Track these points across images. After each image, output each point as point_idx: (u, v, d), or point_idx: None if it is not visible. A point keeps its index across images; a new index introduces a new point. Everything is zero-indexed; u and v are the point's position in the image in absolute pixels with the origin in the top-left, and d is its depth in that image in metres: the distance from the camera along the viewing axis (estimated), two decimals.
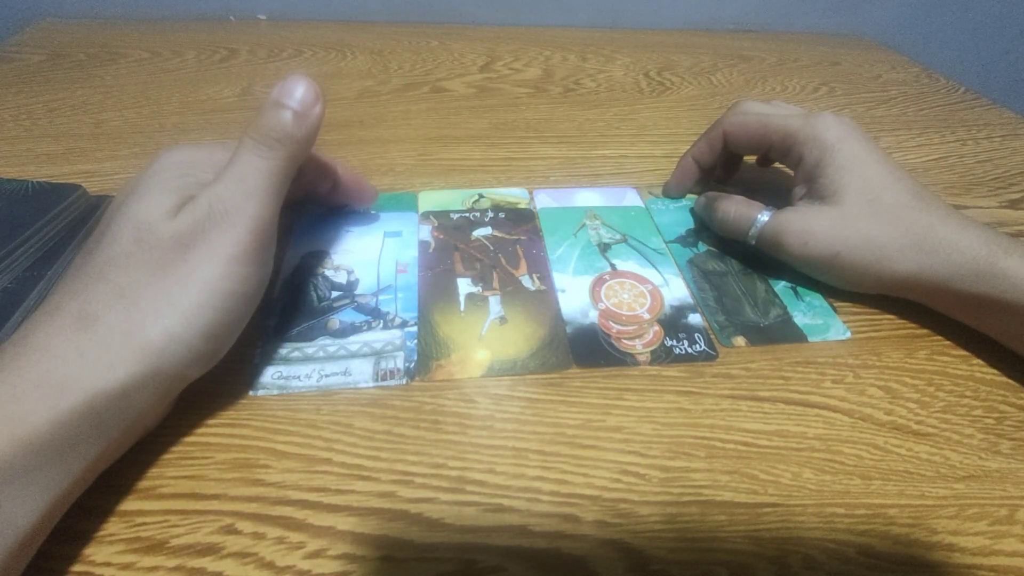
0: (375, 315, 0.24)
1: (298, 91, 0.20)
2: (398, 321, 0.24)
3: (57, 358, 0.15)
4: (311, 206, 0.30)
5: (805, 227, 0.26)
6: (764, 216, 0.27)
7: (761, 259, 0.28)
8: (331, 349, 0.23)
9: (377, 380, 0.22)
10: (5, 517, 0.14)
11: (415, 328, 0.24)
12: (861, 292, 0.27)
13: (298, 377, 0.22)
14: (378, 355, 0.23)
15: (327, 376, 0.22)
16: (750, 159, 0.33)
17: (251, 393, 0.21)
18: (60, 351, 0.15)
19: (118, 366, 0.16)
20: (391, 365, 0.22)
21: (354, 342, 0.23)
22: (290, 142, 0.20)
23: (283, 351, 0.23)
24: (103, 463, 0.17)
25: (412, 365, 0.22)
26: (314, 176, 0.26)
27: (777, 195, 0.28)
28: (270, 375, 0.22)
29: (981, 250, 0.23)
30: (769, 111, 0.29)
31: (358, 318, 0.24)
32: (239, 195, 0.19)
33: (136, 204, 0.18)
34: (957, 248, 0.23)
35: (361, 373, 0.22)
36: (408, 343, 0.23)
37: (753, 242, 0.28)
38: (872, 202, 0.25)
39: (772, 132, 0.28)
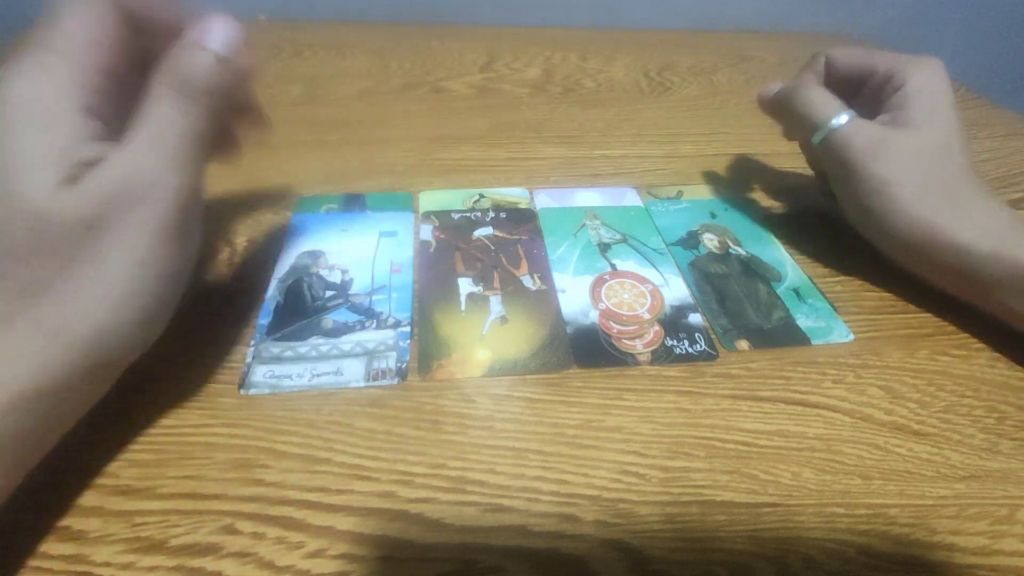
0: (369, 315, 0.24)
1: (219, 31, 0.17)
2: (392, 321, 0.24)
3: None
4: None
5: (882, 139, 0.26)
6: (845, 116, 0.27)
7: (761, 261, 0.28)
8: (324, 348, 0.23)
9: (369, 380, 0.22)
10: None
11: (408, 328, 0.24)
12: (877, 238, 0.27)
13: (290, 376, 0.22)
14: (371, 355, 0.23)
15: (319, 376, 0.22)
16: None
17: (241, 392, 0.21)
18: None
19: (47, 365, 0.15)
20: (383, 365, 0.22)
21: (347, 342, 0.23)
22: (215, 92, 0.17)
23: (275, 350, 0.23)
24: (47, 448, 0.16)
25: (404, 365, 0.22)
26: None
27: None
28: (262, 374, 0.22)
29: (1006, 225, 0.24)
30: None
31: (351, 318, 0.24)
32: (159, 165, 0.16)
33: (16, 184, 0.14)
34: (987, 217, 0.24)
35: (353, 373, 0.22)
36: (401, 343, 0.23)
37: (819, 140, 0.28)
38: (946, 149, 0.26)
39: (879, 59, 0.28)
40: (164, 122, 0.16)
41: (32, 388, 0.14)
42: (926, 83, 0.27)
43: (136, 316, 0.16)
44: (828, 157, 0.28)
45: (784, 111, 0.30)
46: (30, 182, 0.14)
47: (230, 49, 0.17)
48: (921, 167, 0.25)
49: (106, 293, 0.15)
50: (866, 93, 0.29)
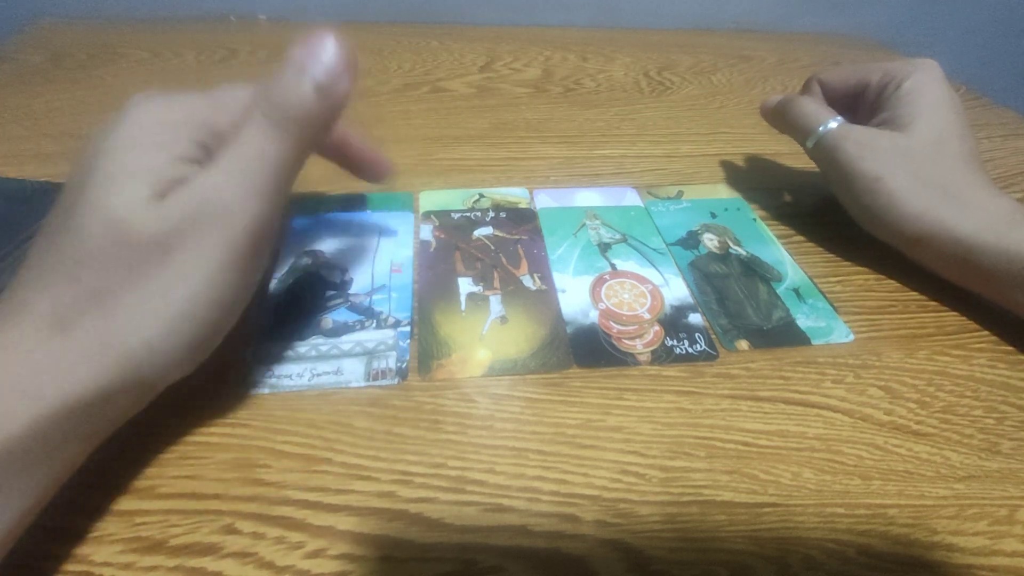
0: (368, 315, 0.24)
1: (326, 54, 0.16)
2: (391, 321, 0.24)
3: (31, 363, 0.14)
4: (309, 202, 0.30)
5: (868, 140, 0.27)
6: (834, 122, 0.28)
7: (760, 261, 0.28)
8: (323, 348, 0.23)
9: (369, 380, 0.22)
10: None
11: (408, 328, 0.24)
12: (879, 233, 0.28)
13: (289, 376, 0.22)
14: (370, 355, 0.23)
15: (318, 375, 0.22)
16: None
17: (241, 392, 0.21)
18: (33, 355, 0.14)
19: (97, 375, 0.15)
20: (383, 365, 0.22)
21: (347, 341, 0.23)
22: (309, 123, 0.16)
23: (275, 350, 0.23)
24: (79, 463, 0.16)
25: (404, 365, 0.22)
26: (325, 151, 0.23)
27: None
28: (261, 374, 0.22)
29: (1007, 214, 0.24)
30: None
31: (351, 317, 0.24)
32: (240, 191, 0.16)
33: (107, 193, 0.15)
34: (986, 208, 0.25)
35: (353, 372, 0.22)
36: (401, 343, 0.23)
37: (811, 145, 0.29)
38: (938, 144, 0.26)
39: (872, 71, 0.30)
40: (252, 149, 0.16)
41: (79, 397, 0.14)
42: (919, 83, 0.28)
43: (186, 340, 0.16)
44: (821, 161, 0.29)
45: (781, 121, 0.32)
46: (121, 194, 0.15)
47: (331, 76, 0.16)
48: (911, 163, 0.26)
49: (163, 311, 0.15)
50: (865, 104, 0.30)
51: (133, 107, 0.16)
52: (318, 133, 0.17)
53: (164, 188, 0.15)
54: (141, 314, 0.15)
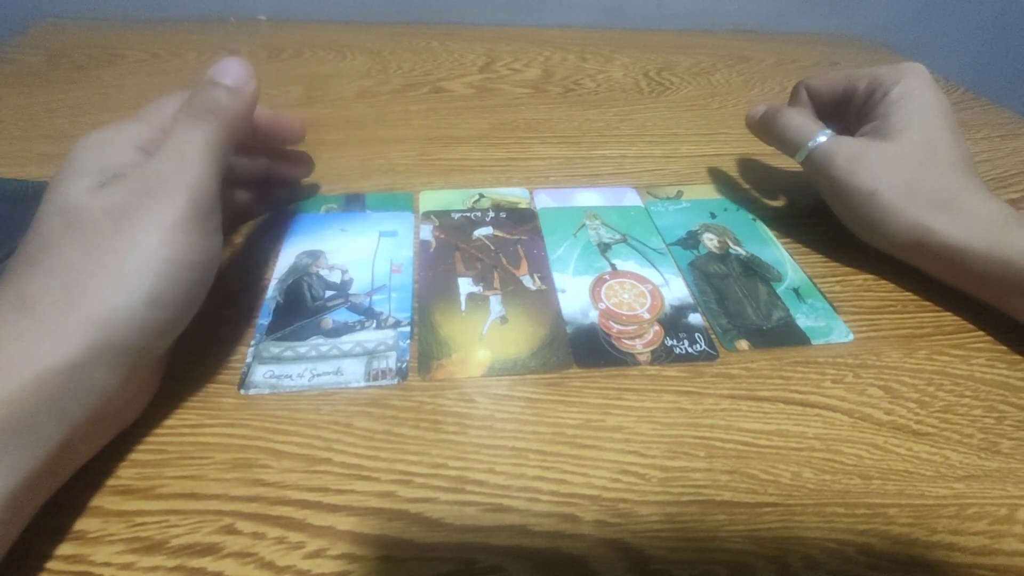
0: (368, 315, 0.24)
1: (231, 69, 0.21)
2: (391, 321, 0.24)
3: (0, 344, 0.15)
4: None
5: (860, 154, 0.27)
6: (823, 136, 0.28)
7: (760, 262, 0.28)
8: (323, 348, 0.23)
9: (369, 380, 0.22)
10: None
11: (408, 328, 0.24)
12: (874, 242, 0.28)
13: (289, 376, 0.22)
14: (370, 355, 0.23)
15: (319, 375, 0.22)
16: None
17: (241, 392, 0.21)
18: (1, 337, 0.15)
19: (63, 342, 0.15)
20: (383, 365, 0.22)
21: (347, 342, 0.23)
22: (224, 114, 0.20)
23: (275, 350, 0.23)
24: (75, 454, 0.17)
25: (404, 365, 0.22)
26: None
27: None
28: (261, 374, 0.22)
29: (998, 219, 0.24)
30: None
31: (351, 318, 0.24)
32: (175, 165, 0.18)
33: (58, 188, 0.18)
34: (977, 214, 0.25)
35: (353, 373, 0.22)
36: (401, 343, 0.23)
37: (801, 159, 0.29)
38: (928, 151, 0.26)
39: (859, 77, 0.30)
40: (181, 136, 0.19)
41: (48, 367, 0.15)
42: (908, 89, 0.27)
43: (146, 296, 0.17)
44: (813, 174, 0.29)
45: (767, 135, 0.32)
46: (69, 185, 0.18)
47: (237, 80, 0.21)
48: (903, 173, 0.26)
49: (119, 271, 0.17)
50: (852, 110, 0.30)
51: (78, 141, 0.19)
52: (234, 122, 0.20)
53: (107, 181, 0.18)
54: (100, 281, 0.16)
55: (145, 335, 0.17)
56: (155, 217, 0.17)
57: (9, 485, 0.14)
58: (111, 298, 0.16)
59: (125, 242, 0.17)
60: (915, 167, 0.26)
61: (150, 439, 0.19)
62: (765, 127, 0.31)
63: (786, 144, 0.30)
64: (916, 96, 0.27)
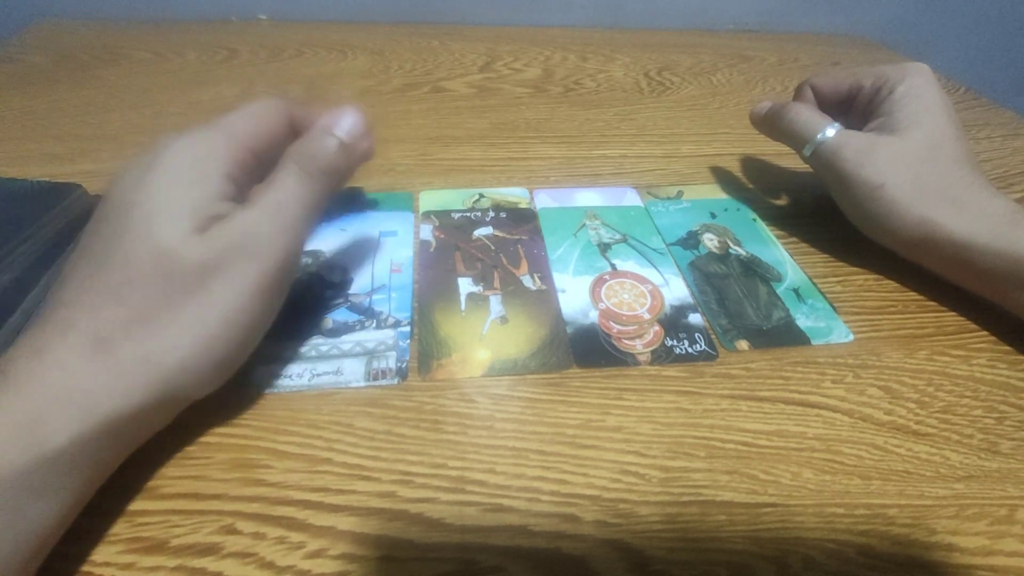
0: (368, 315, 0.24)
1: (347, 121, 0.20)
2: (391, 321, 0.24)
3: (76, 380, 0.15)
4: None
5: (868, 148, 0.27)
6: (831, 130, 0.28)
7: (760, 262, 0.28)
8: (323, 348, 0.23)
9: (369, 380, 0.22)
10: (27, 527, 0.14)
11: (408, 328, 0.24)
12: (880, 238, 0.28)
13: (289, 376, 0.22)
14: (370, 355, 0.23)
15: (318, 375, 0.22)
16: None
17: (241, 391, 0.21)
18: (78, 373, 0.15)
19: (134, 392, 0.16)
20: (383, 365, 0.22)
21: (346, 341, 0.23)
22: (333, 174, 0.19)
23: (275, 350, 0.23)
24: (112, 471, 0.17)
25: (404, 365, 0.22)
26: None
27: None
28: (261, 374, 0.22)
29: (1004, 216, 0.24)
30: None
31: (351, 317, 0.24)
32: (275, 228, 0.18)
33: (154, 225, 0.17)
34: (983, 210, 0.25)
35: (353, 373, 0.22)
36: (401, 343, 0.23)
37: (809, 153, 0.29)
38: (934, 147, 0.26)
39: (864, 75, 0.30)
40: (287, 193, 0.18)
41: (119, 412, 0.15)
42: (912, 87, 0.28)
43: (217, 360, 0.17)
44: (820, 169, 0.29)
45: (774, 130, 0.31)
46: (167, 226, 0.17)
47: (353, 137, 0.20)
48: (910, 168, 0.26)
49: (199, 333, 0.17)
50: (857, 108, 0.30)
51: (164, 148, 0.18)
52: (339, 182, 0.20)
53: (203, 223, 0.17)
54: (178, 335, 0.16)
55: (204, 388, 0.18)
56: (246, 279, 0.17)
57: (65, 508, 0.15)
58: (188, 362, 0.17)
59: (211, 306, 0.17)
60: (922, 163, 0.26)
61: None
62: (771, 122, 0.31)
63: (794, 138, 0.30)
64: (921, 94, 0.27)
